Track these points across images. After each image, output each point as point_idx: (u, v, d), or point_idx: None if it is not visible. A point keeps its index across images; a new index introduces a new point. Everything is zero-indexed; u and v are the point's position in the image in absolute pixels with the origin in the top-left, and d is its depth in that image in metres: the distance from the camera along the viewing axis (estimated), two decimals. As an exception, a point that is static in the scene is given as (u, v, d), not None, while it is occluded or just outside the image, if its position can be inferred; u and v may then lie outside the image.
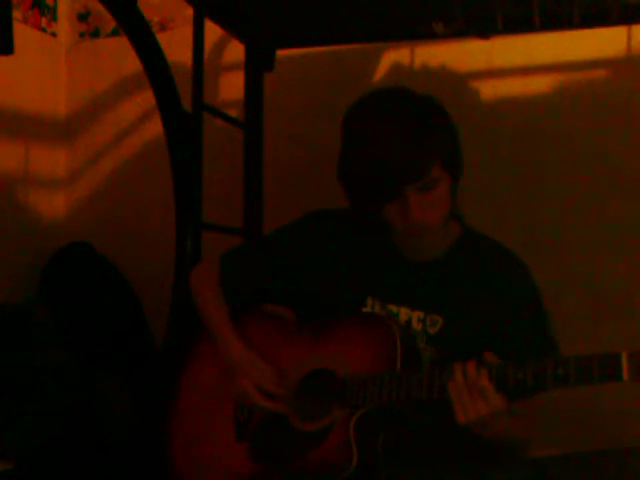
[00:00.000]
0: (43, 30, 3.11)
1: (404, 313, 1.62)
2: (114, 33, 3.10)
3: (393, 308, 1.62)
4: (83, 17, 3.19)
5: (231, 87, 2.81)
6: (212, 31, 2.43)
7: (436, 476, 1.54)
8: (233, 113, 2.69)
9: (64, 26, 3.19)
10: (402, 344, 1.51)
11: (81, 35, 3.20)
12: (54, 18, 3.16)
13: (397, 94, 1.55)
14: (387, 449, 1.52)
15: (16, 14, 2.87)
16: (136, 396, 2.43)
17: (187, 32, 2.29)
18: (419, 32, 2.27)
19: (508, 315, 1.58)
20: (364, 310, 1.64)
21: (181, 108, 2.25)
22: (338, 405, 1.54)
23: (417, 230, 1.53)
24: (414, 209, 1.48)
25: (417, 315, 1.61)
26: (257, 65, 2.50)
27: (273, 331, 1.75)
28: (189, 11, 2.36)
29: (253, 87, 2.50)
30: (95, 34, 3.17)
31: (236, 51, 2.65)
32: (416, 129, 1.47)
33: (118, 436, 2.38)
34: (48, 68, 3.16)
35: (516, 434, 1.52)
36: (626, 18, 2.14)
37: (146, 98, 2.69)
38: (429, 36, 2.29)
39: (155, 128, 2.58)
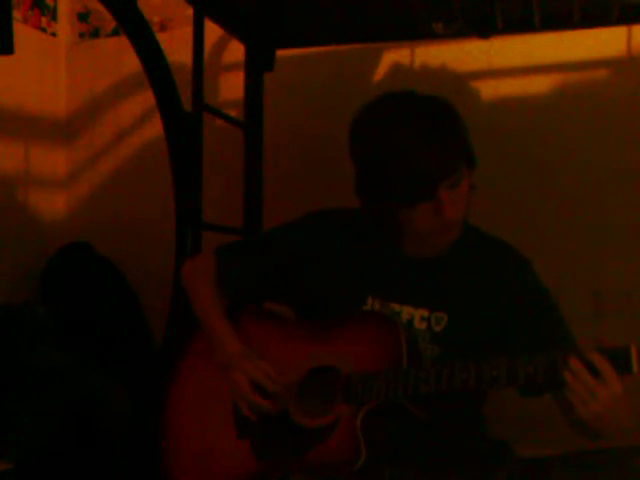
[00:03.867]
0: (43, 30, 3.11)
1: (407, 312, 1.61)
2: (114, 33, 3.10)
3: (396, 307, 1.62)
4: (83, 17, 3.19)
5: (231, 87, 2.81)
6: (212, 31, 2.44)
7: (438, 474, 1.54)
8: (233, 113, 2.68)
9: (64, 26, 3.19)
10: (407, 341, 1.51)
11: (81, 35, 3.20)
12: (54, 18, 3.16)
13: (408, 97, 1.56)
14: (392, 445, 1.52)
15: (16, 14, 2.87)
16: (135, 396, 2.43)
17: (187, 32, 2.29)
18: (419, 32, 2.27)
19: (516, 311, 1.57)
20: (365, 309, 1.64)
21: (181, 108, 2.25)
22: (343, 401, 1.53)
23: (446, 227, 1.55)
24: (447, 206, 1.50)
25: (421, 313, 1.61)
26: (257, 65, 2.51)
27: (272, 329, 1.74)
28: (189, 11, 2.36)
29: (253, 87, 2.51)
30: (95, 34, 3.18)
31: (236, 51, 2.65)
32: (440, 128, 1.50)
33: (117, 436, 2.38)
34: (48, 68, 3.16)
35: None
36: (626, 18, 2.15)
37: (146, 98, 2.69)
38: (429, 36, 2.29)
39: (155, 128, 2.58)
